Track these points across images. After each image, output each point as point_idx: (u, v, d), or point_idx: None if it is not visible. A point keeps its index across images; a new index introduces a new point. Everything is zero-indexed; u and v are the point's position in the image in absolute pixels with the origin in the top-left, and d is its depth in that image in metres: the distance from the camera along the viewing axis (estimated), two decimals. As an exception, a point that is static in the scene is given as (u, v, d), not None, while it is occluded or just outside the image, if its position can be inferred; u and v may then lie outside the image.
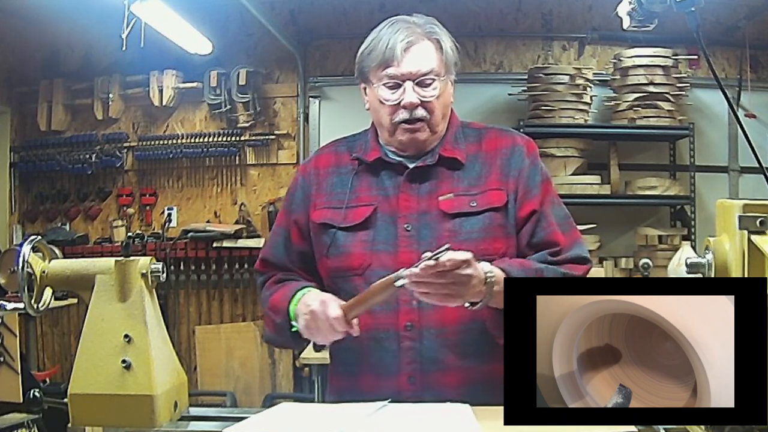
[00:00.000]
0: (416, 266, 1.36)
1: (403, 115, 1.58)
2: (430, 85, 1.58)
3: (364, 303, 1.45)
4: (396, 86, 1.58)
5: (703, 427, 1.12)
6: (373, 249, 1.58)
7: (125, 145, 4.91)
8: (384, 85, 1.58)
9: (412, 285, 1.37)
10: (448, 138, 1.65)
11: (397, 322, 1.54)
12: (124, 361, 1.34)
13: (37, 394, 1.44)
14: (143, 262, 1.41)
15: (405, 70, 1.56)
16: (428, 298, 1.40)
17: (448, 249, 1.35)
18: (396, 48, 1.55)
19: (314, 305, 1.49)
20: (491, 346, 1.48)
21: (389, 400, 1.43)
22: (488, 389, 1.47)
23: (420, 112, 1.58)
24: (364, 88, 1.66)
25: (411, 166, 1.62)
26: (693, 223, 4.30)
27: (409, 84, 1.56)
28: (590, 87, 4.40)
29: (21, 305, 1.41)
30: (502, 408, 1.12)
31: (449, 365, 1.53)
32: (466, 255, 1.37)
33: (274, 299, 1.63)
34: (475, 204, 1.57)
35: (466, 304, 1.43)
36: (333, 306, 1.47)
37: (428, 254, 1.37)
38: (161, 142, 4.87)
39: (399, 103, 1.57)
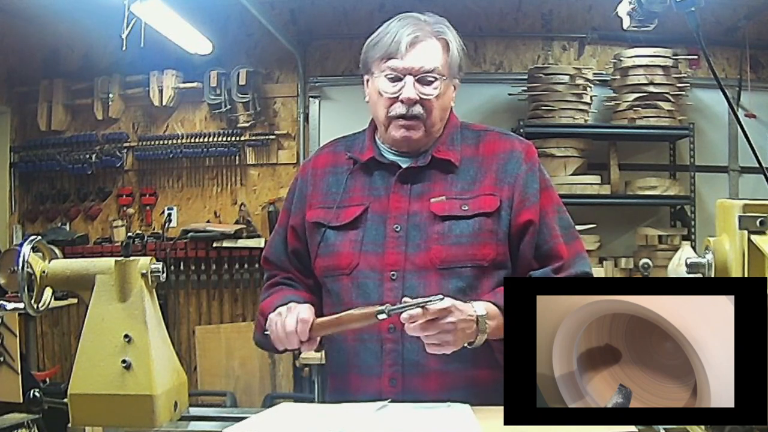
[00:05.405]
0: (401, 307, 1.38)
1: (399, 109, 1.57)
2: (431, 83, 1.57)
3: (338, 325, 1.45)
4: (397, 79, 1.57)
5: (703, 427, 1.12)
6: (362, 249, 1.58)
7: (125, 145, 4.91)
8: (385, 76, 1.58)
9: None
10: (443, 139, 1.64)
11: (379, 324, 1.51)
12: (124, 361, 1.34)
13: (37, 394, 1.44)
14: (143, 262, 1.41)
15: (408, 64, 1.55)
16: (428, 347, 1.41)
17: (441, 299, 1.37)
18: (402, 41, 1.55)
19: (290, 305, 1.51)
20: (474, 352, 1.47)
21: (389, 400, 1.43)
22: (470, 394, 1.47)
23: (417, 109, 1.57)
24: (367, 80, 1.66)
25: (404, 166, 1.62)
26: (693, 223, 4.30)
27: (409, 79, 1.55)
28: (590, 87, 4.40)
29: (21, 305, 1.41)
30: (502, 408, 1.12)
31: (430, 369, 1.51)
32: (443, 304, 1.38)
33: (264, 304, 1.64)
34: (466, 208, 1.56)
35: (465, 344, 1.44)
36: (306, 312, 1.48)
37: (408, 299, 1.39)
38: (161, 142, 4.87)
39: (397, 97, 1.57)
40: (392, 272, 1.54)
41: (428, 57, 1.56)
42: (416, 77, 1.56)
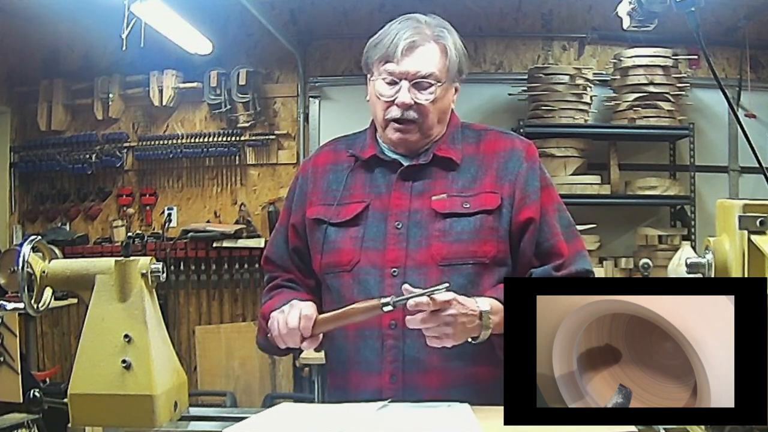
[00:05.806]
0: (407, 297, 1.38)
1: (395, 112, 1.58)
2: (427, 88, 1.57)
3: (343, 318, 1.45)
4: (393, 83, 1.57)
5: (703, 427, 1.12)
6: (362, 246, 1.58)
7: (125, 145, 4.91)
8: (382, 79, 1.59)
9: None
10: (444, 138, 1.64)
11: (381, 320, 1.53)
12: (124, 361, 1.34)
13: (37, 394, 1.44)
14: (143, 262, 1.41)
15: (403, 68, 1.56)
16: (428, 340, 1.42)
17: (446, 286, 1.37)
18: (399, 45, 1.55)
19: (293, 302, 1.51)
20: (475, 349, 1.47)
21: (389, 400, 1.43)
22: (470, 391, 1.47)
23: (412, 114, 1.57)
24: (370, 79, 1.66)
25: (405, 164, 1.62)
26: (693, 223, 4.30)
27: (405, 83, 1.56)
28: (590, 87, 4.40)
29: (21, 305, 1.40)
30: (502, 408, 1.12)
31: (431, 365, 1.52)
32: (446, 296, 1.38)
33: (266, 307, 1.64)
34: (468, 205, 1.57)
35: (469, 339, 1.44)
36: (309, 308, 1.48)
37: (408, 287, 1.39)
38: (161, 142, 4.87)
39: (393, 100, 1.57)
40: (393, 269, 1.54)
41: (425, 62, 1.57)
42: (412, 82, 1.56)
